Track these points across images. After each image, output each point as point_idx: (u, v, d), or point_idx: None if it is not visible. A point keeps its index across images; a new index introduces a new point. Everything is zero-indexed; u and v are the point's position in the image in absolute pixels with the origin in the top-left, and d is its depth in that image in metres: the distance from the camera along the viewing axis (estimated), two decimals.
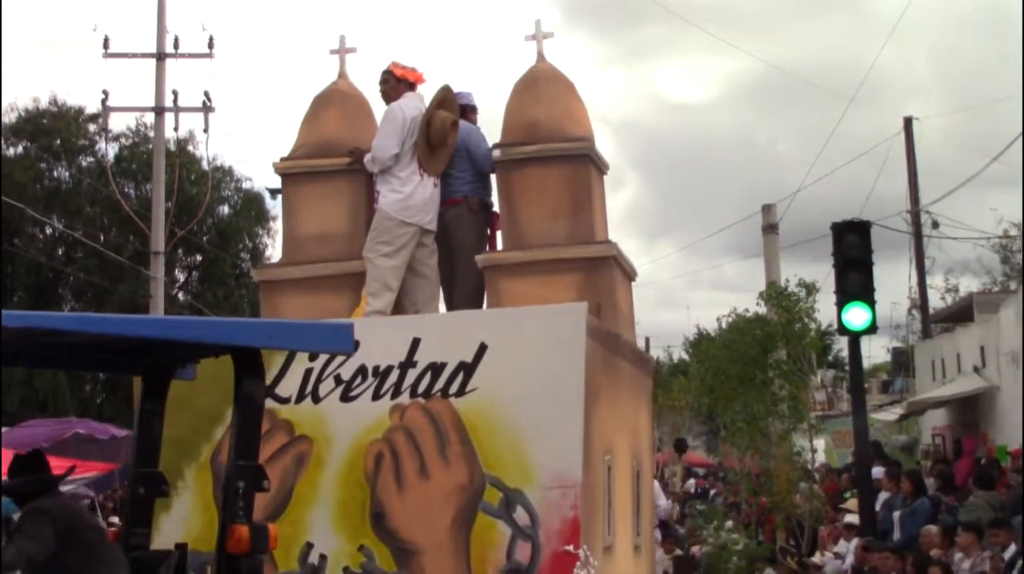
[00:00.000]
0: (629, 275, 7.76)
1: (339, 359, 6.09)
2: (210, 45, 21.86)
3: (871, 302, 11.15)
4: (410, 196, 7.11)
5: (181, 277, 34.72)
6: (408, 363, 5.96)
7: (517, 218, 7.37)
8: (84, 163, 33.38)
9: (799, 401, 13.70)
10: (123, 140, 31.76)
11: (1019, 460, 12.77)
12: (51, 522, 4.67)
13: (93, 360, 5.65)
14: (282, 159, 7.89)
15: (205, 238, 32.93)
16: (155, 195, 22.15)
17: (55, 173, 33.41)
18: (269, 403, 6.15)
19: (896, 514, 11.93)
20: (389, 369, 5.98)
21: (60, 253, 32.30)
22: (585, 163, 7.29)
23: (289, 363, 6.15)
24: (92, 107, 28.26)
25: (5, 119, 31.58)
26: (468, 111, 7.75)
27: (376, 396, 5.98)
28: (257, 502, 5.96)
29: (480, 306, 7.29)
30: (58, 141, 32.80)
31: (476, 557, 5.72)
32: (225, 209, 35.66)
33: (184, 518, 6.11)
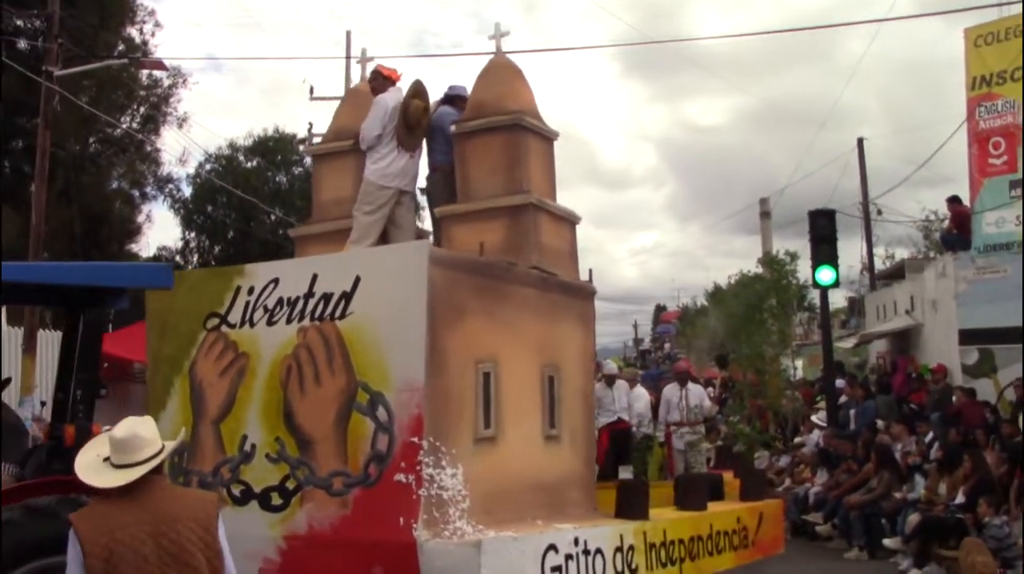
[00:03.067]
0: (565, 219, 8.55)
1: (268, 291, 7.31)
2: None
3: (835, 265, 16.36)
4: (389, 166, 8.34)
5: None
6: (309, 294, 7.04)
7: (466, 178, 8.35)
8: (296, 171, 42.73)
9: (785, 334, 18.88)
10: None
11: (939, 374, 17.21)
12: None
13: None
14: (312, 145, 9.37)
15: None
16: None
17: (277, 179, 43.31)
18: (223, 327, 7.56)
19: (852, 412, 16.65)
20: (297, 299, 7.06)
21: (280, 233, 38.63)
22: (517, 130, 8.12)
23: (236, 297, 7.46)
24: (302, 133, 34.31)
25: (244, 142, 42.61)
26: (459, 100, 8.85)
27: (288, 320, 7.10)
28: (212, 403, 7.44)
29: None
30: (279, 157, 42.89)
31: (351, 446, 6.72)
32: None
33: (171, 417, 7.57)
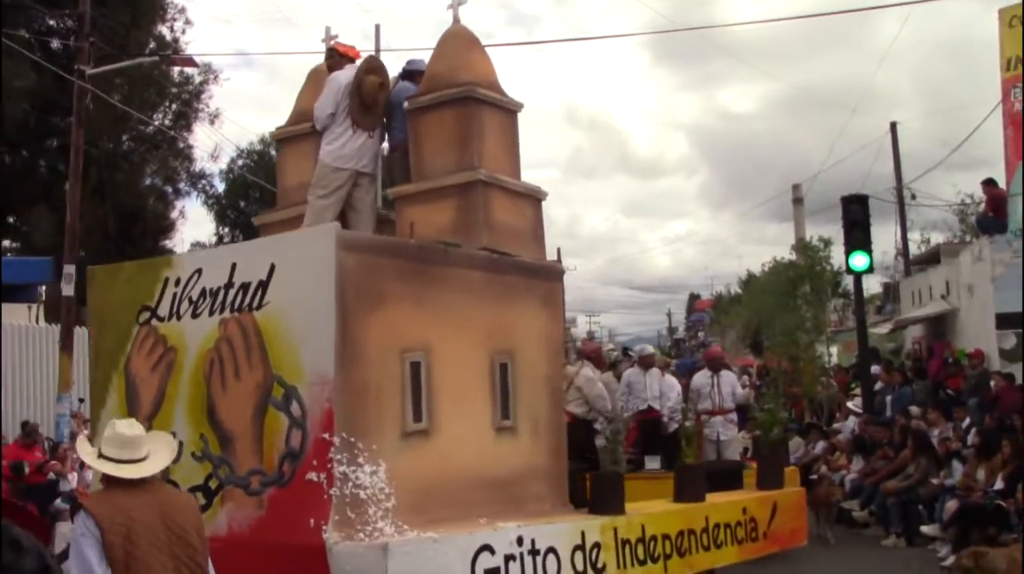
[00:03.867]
0: (526, 195, 7.94)
1: (193, 282, 6.95)
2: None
3: (869, 251, 16.00)
4: (343, 147, 7.87)
5: None
6: (229, 284, 6.60)
7: (420, 155, 7.82)
8: None
9: (819, 320, 18.75)
10: None
11: (976, 359, 16.56)
12: None
13: None
14: (276, 128, 8.98)
15: None
16: (376, 185, 28.89)
17: None
18: (154, 321, 7.22)
19: (888, 398, 16.24)
20: (219, 289, 6.64)
21: None
22: (469, 103, 7.53)
23: (164, 289, 7.11)
24: None
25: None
26: (418, 75, 8.30)
27: (211, 312, 6.68)
28: (145, 400, 7.12)
29: None
30: None
31: (267, 443, 6.28)
32: None
33: (110, 414, 7.26)
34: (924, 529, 11.45)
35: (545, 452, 7.55)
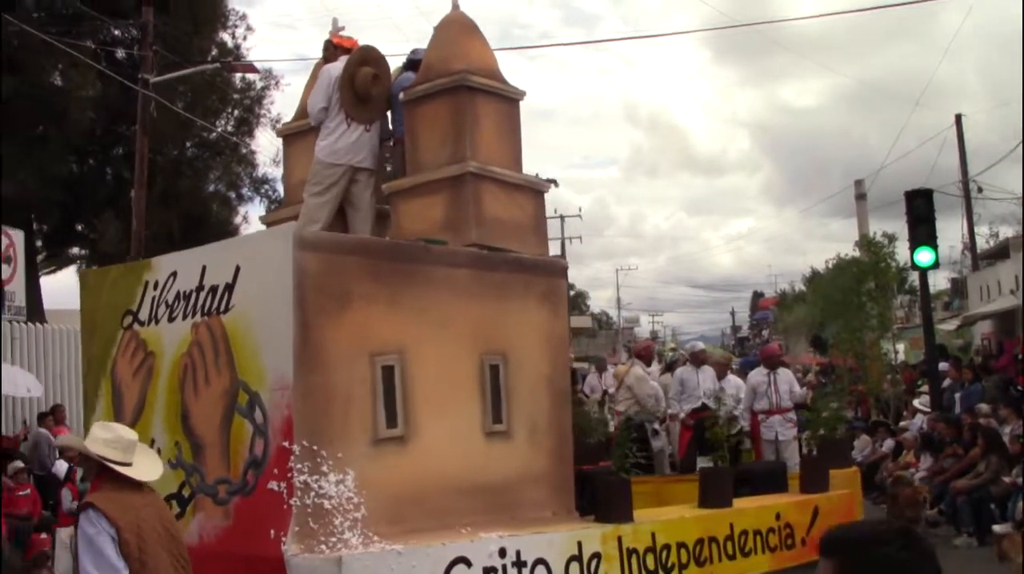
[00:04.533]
0: (525, 187, 7.49)
1: (169, 286, 6.70)
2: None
3: (934, 246, 15.31)
4: (336, 141, 7.55)
5: None
6: (200, 287, 6.36)
7: (414, 148, 7.48)
8: (388, 168, 44.29)
9: (885, 317, 18.35)
10: None
11: None
12: None
13: None
14: (282, 125, 8.72)
15: None
16: None
17: None
18: (135, 326, 7.03)
19: (957, 395, 15.62)
20: (191, 292, 6.39)
21: None
22: (462, 92, 7.15)
23: (144, 293, 6.91)
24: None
25: None
26: (421, 65, 7.98)
27: (184, 316, 6.43)
28: (128, 405, 6.94)
29: None
30: None
31: (233, 451, 5.98)
32: None
33: (99, 419, 7.13)
34: (996, 528, 10.62)
35: (546, 456, 7.10)
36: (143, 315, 6.78)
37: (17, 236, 17.65)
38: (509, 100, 7.54)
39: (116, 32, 20.77)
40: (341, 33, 8.24)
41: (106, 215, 19.44)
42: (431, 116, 7.38)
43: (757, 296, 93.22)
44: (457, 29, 7.57)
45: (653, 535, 7.15)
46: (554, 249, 56.34)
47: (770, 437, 12.40)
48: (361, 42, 7.99)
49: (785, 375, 12.67)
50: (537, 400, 7.07)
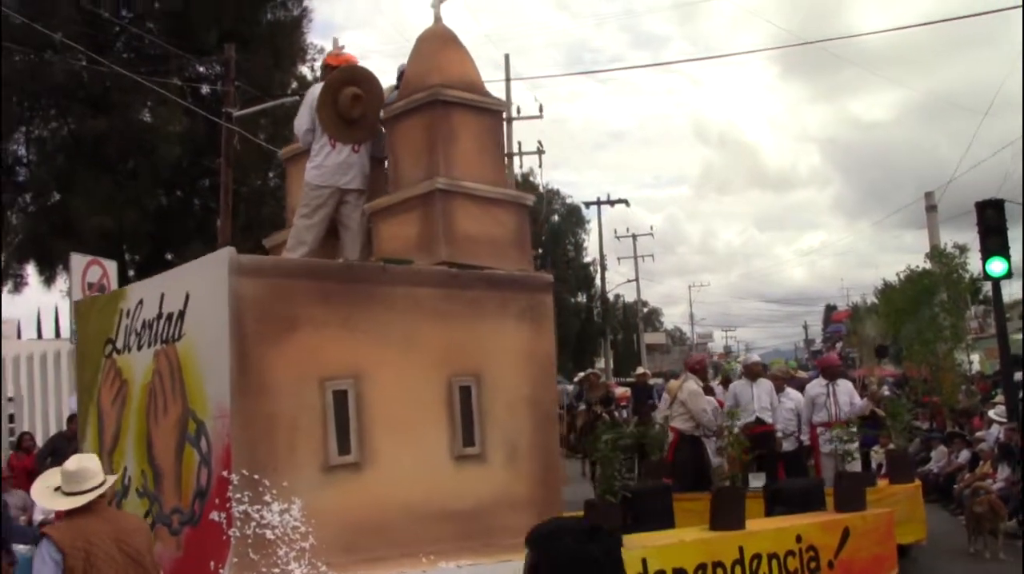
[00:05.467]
0: (505, 202, 7.14)
1: (137, 314, 6.62)
2: (540, 110, 31.21)
3: (1007, 256, 14.90)
4: (322, 163, 7.35)
5: None
6: (159, 314, 6.24)
7: (394, 165, 7.25)
8: None
9: (958, 328, 18.24)
10: None
11: None
12: None
13: None
14: (284, 149, 8.64)
15: (543, 237, 43.60)
16: None
17: None
18: (114, 354, 6.97)
19: None
20: (153, 320, 6.29)
21: None
22: (437, 107, 6.87)
23: (120, 321, 6.84)
24: None
25: None
26: None
27: (149, 344, 6.32)
28: (108, 433, 6.89)
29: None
30: None
31: (184, 480, 5.79)
32: (556, 217, 48.57)
33: (88, 448, 7.03)
34: None
35: (528, 480, 6.73)
36: (120, 343, 6.72)
37: (110, 266, 18.14)
38: (490, 113, 7.23)
39: (200, 69, 21.37)
40: (343, 52, 8.05)
41: (193, 244, 19.92)
42: (408, 132, 7.14)
43: (830, 309, 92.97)
44: (435, 43, 7.31)
45: (644, 561, 6.68)
46: (627, 267, 55.94)
47: (829, 450, 11.69)
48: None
49: (845, 386, 11.93)
50: (517, 422, 6.71)
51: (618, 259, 54.96)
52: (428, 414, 6.29)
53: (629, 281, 55.51)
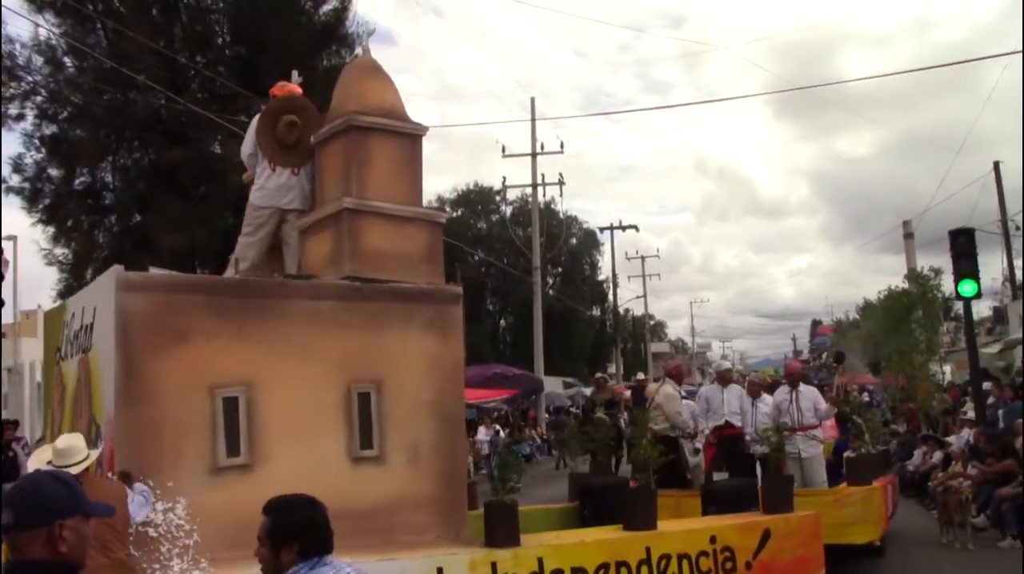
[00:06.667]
0: (416, 219, 6.89)
1: (73, 324, 6.58)
2: (561, 146, 32.72)
3: (976, 279, 15.46)
4: (263, 185, 7.40)
5: (551, 281, 47.31)
6: (82, 326, 6.23)
7: (321, 188, 7.23)
8: (493, 218, 47.94)
9: (932, 342, 18.76)
10: (516, 203, 45.50)
11: None
12: None
13: None
14: (246, 175, 8.52)
15: (562, 258, 47.01)
16: (534, 234, 32.25)
17: (478, 225, 47.99)
18: (61, 362, 6.93)
19: (1000, 412, 15.49)
20: (79, 331, 6.32)
21: (482, 271, 46.55)
22: (352, 132, 6.83)
23: (64, 330, 6.80)
24: (497, 185, 39.38)
25: (450, 196, 48.29)
26: None
27: (76, 353, 6.38)
28: (55, 436, 6.82)
29: None
30: (479, 207, 47.84)
31: None
32: (574, 241, 49.74)
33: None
34: None
35: (430, 480, 6.54)
36: (63, 351, 6.84)
37: None
38: (408, 137, 7.03)
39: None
40: (287, 84, 7.95)
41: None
42: (330, 156, 7.07)
43: (816, 324, 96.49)
44: (357, 73, 7.22)
45: (540, 560, 6.40)
46: (636, 285, 59.15)
47: (794, 454, 11.11)
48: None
49: (808, 393, 11.36)
50: (420, 426, 6.52)
51: (628, 278, 59.25)
52: (324, 418, 6.16)
53: (638, 297, 59.25)
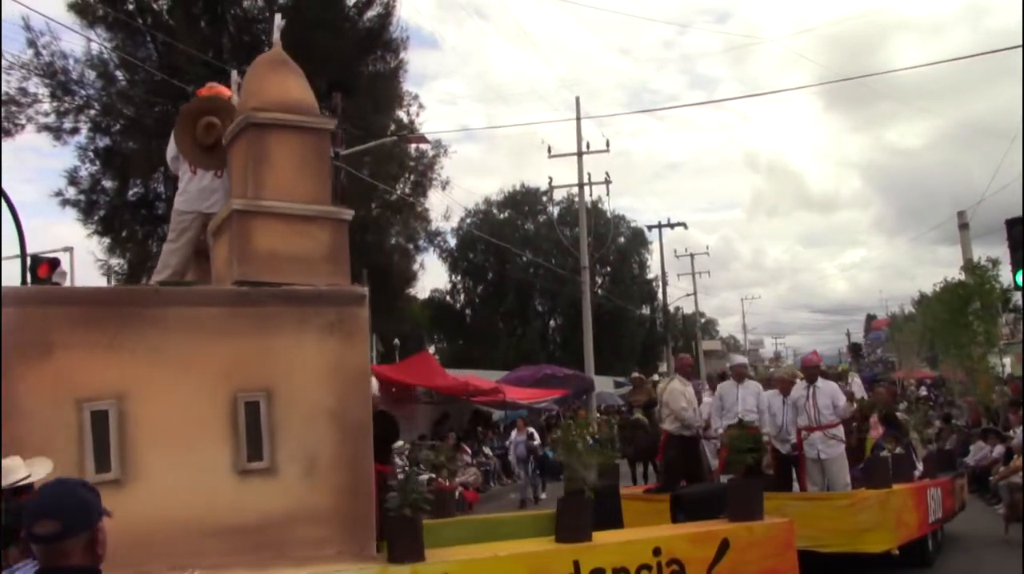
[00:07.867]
0: (317, 219, 6.61)
1: None
2: (607, 145, 32.38)
3: None
4: (185, 189, 7.28)
5: (599, 280, 48.25)
6: None
7: (231, 191, 6.99)
8: (541, 219, 48.50)
9: (991, 334, 18.80)
10: (563, 203, 47.03)
11: None
12: None
13: None
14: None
15: (611, 257, 49.00)
16: (582, 233, 31.69)
17: (525, 227, 48.46)
18: None
19: None
20: None
21: (531, 271, 46.11)
22: (250, 130, 6.56)
23: None
24: (544, 186, 38.31)
25: (497, 198, 49.67)
26: None
27: None
28: None
29: None
30: (526, 208, 48.68)
31: None
32: (622, 239, 51.66)
33: None
34: None
35: (330, 492, 6.27)
36: None
37: None
38: (312, 131, 6.77)
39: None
40: (215, 86, 7.85)
41: None
42: (234, 156, 6.88)
43: (870, 318, 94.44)
44: (261, 67, 6.95)
45: None
46: (685, 283, 58.09)
47: (812, 456, 10.51)
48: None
49: (827, 388, 10.64)
50: (318, 435, 6.26)
51: (678, 275, 58.40)
52: (207, 430, 5.96)
53: (688, 295, 58.48)
